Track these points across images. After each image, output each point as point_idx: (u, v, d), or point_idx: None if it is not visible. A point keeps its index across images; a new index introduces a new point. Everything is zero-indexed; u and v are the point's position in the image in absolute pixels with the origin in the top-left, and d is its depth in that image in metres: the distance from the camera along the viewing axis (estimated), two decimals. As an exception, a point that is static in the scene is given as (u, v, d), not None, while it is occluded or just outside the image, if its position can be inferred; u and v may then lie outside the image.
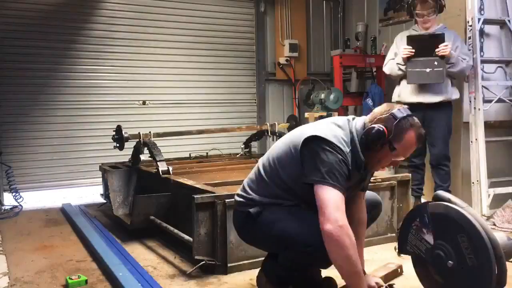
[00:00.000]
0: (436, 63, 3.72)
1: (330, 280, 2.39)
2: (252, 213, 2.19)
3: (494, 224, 3.71)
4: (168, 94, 6.02)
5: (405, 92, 3.95)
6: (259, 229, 2.20)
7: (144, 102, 5.90)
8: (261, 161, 2.30)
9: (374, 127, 2.05)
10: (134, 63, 5.83)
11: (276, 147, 2.26)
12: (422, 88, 3.83)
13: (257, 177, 2.26)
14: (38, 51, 5.36)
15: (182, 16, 6.09)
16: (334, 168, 1.99)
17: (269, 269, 2.34)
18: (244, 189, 2.30)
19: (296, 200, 2.16)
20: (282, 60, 6.56)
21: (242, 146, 5.13)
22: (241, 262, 2.82)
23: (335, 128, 2.12)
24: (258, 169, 2.28)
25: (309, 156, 2.04)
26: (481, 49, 4.15)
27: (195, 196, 2.74)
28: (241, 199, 2.28)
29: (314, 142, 2.04)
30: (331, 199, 1.95)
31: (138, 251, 3.26)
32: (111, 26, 5.71)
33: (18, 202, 4.77)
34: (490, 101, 4.10)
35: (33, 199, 5.02)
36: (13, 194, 4.83)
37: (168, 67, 6.01)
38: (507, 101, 4.22)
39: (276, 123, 4.81)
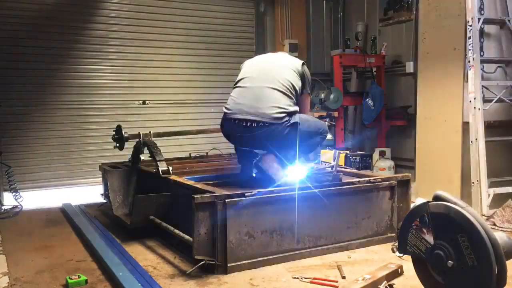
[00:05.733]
0: None
1: None
2: (298, 122, 3.23)
3: (494, 224, 3.71)
4: (168, 94, 6.03)
5: None
6: (296, 131, 3.22)
7: (144, 102, 5.90)
8: (272, 84, 3.28)
9: None
10: (134, 63, 5.84)
11: (277, 74, 3.32)
12: None
13: (281, 94, 3.24)
14: (38, 51, 5.37)
15: (182, 16, 6.10)
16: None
17: (283, 156, 3.34)
18: (279, 108, 3.20)
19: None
20: (282, 60, 6.54)
21: (242, 146, 5.12)
22: (241, 262, 2.82)
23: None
24: (277, 90, 3.25)
25: (308, 75, 3.47)
26: (481, 49, 4.15)
27: (195, 196, 2.73)
28: (281, 115, 3.20)
29: (305, 65, 3.48)
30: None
31: (138, 251, 3.26)
32: (112, 26, 5.72)
33: (18, 202, 4.77)
34: (490, 101, 4.10)
35: (33, 199, 5.01)
36: (13, 194, 4.83)
37: (168, 67, 6.02)
38: (507, 101, 4.22)
39: (276, 123, 4.80)
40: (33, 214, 4.48)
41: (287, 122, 3.22)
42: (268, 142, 3.30)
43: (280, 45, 6.63)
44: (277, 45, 6.66)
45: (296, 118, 3.28)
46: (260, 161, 3.28)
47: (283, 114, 3.21)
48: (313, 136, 3.40)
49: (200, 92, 6.19)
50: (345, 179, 3.37)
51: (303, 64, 3.49)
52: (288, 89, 3.30)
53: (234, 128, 3.34)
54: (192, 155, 5.01)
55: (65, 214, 4.40)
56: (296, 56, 6.56)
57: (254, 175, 3.62)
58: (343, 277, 2.67)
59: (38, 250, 3.34)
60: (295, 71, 3.40)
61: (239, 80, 3.51)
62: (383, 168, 5.30)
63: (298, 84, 3.38)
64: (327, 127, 3.62)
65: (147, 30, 5.88)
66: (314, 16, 7.00)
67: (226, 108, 3.43)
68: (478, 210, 3.85)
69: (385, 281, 2.52)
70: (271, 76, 3.32)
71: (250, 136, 3.27)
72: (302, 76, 3.43)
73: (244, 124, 3.25)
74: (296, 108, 3.33)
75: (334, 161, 3.79)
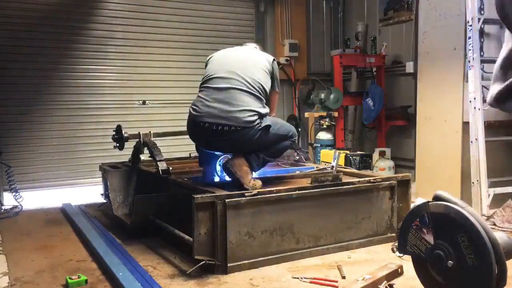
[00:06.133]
0: None
1: None
2: (270, 124, 3.15)
3: (494, 224, 3.71)
4: (168, 94, 6.03)
5: None
6: (267, 134, 3.15)
7: (144, 102, 5.90)
8: (243, 86, 3.14)
9: None
10: (134, 63, 5.84)
11: (247, 74, 3.17)
12: None
13: (252, 97, 3.13)
14: (38, 51, 5.36)
15: (182, 16, 6.10)
16: None
17: (253, 159, 3.19)
18: (250, 111, 3.07)
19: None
20: (282, 60, 6.56)
21: (242, 146, 5.12)
22: (241, 262, 2.82)
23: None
24: (248, 92, 3.13)
25: (277, 73, 3.43)
26: (481, 49, 4.15)
27: (195, 196, 2.73)
28: (253, 118, 3.07)
29: (275, 62, 3.45)
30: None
31: (138, 251, 3.26)
32: (111, 26, 5.72)
33: (18, 202, 4.77)
34: (490, 101, 4.09)
35: (33, 199, 5.01)
36: (13, 194, 4.83)
37: (168, 67, 6.01)
38: (507, 101, 4.21)
39: (276, 123, 4.80)
40: (33, 214, 4.49)
41: (258, 126, 3.10)
42: (238, 147, 3.16)
43: (280, 45, 6.64)
44: (277, 45, 6.66)
45: (267, 120, 3.17)
46: (229, 163, 3.15)
47: (255, 117, 3.08)
48: (283, 140, 3.32)
49: (200, 92, 6.18)
50: (345, 179, 3.37)
51: (273, 61, 3.42)
52: (258, 91, 3.18)
53: (203, 131, 3.14)
54: (192, 155, 5.00)
55: (65, 214, 4.40)
56: (295, 56, 6.66)
57: (217, 179, 3.51)
58: (343, 277, 2.67)
59: (38, 250, 3.34)
60: (265, 71, 3.29)
61: (207, 79, 3.28)
62: (383, 168, 5.30)
63: (268, 84, 3.30)
64: (295, 131, 3.44)
65: (147, 30, 5.87)
66: (314, 16, 7.00)
67: (194, 109, 3.19)
68: (478, 210, 3.85)
69: (385, 281, 2.52)
70: (241, 77, 3.16)
71: (220, 140, 3.11)
72: (271, 75, 3.36)
73: (214, 128, 3.06)
74: (267, 110, 3.24)
75: (334, 161, 3.79)
